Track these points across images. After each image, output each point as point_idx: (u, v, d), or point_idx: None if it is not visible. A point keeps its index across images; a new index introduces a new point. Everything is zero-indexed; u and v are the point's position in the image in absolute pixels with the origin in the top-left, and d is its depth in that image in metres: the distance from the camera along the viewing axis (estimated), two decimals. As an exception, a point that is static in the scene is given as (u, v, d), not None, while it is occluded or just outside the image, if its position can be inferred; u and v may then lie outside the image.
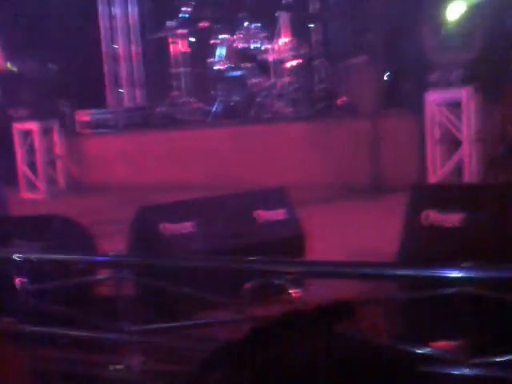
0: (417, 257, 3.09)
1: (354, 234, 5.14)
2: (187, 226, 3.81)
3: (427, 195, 3.32)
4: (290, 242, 3.96)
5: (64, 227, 3.90)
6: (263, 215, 3.97)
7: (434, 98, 6.73)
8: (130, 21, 10.81)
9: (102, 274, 3.57)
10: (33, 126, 8.70)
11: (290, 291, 3.01)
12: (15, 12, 8.60)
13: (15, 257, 3.29)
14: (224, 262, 3.27)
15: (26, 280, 3.29)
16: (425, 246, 3.11)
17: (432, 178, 6.65)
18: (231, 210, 4.00)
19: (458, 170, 6.70)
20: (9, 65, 6.41)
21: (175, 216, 3.83)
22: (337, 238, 5.03)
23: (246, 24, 9.47)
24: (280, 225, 4.00)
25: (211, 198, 4.27)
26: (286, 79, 8.86)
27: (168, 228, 3.76)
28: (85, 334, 3.31)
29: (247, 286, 3.01)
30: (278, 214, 4.01)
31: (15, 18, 8.80)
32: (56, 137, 8.96)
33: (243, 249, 3.71)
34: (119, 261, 3.37)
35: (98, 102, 10.27)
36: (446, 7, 6.91)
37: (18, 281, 3.25)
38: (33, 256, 3.40)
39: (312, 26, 9.30)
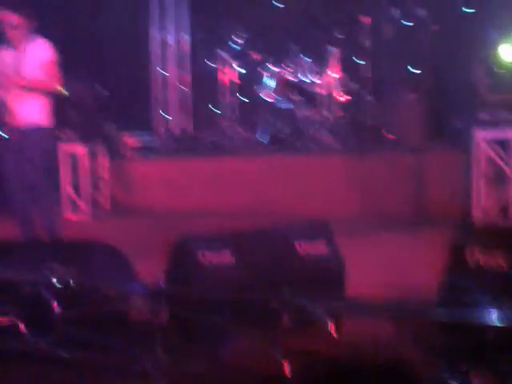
0: (459, 297, 3.00)
1: (394, 268, 5.06)
2: (227, 256, 3.77)
3: (473, 234, 3.23)
4: (330, 275, 3.89)
5: (102, 253, 3.88)
6: (304, 247, 3.91)
7: (483, 136, 6.71)
8: (182, 48, 10.88)
9: (138, 302, 3.53)
10: (79, 148, 8.76)
11: (327, 325, 2.95)
12: (65, 33, 8.69)
13: (52, 281, 3.27)
14: (262, 294, 3.20)
15: (61, 304, 3.27)
16: (468, 286, 3.02)
17: (477, 215, 6.58)
18: (272, 240, 3.95)
19: (504, 208, 6.64)
20: (60, 88, 6.47)
21: (215, 245, 3.79)
22: (377, 271, 4.95)
23: (296, 57, 9.50)
24: (321, 257, 3.94)
25: (252, 227, 4.23)
26: (335, 113, 8.85)
27: (207, 256, 3.73)
28: (117, 360, 3.26)
29: (284, 318, 2.94)
30: (320, 247, 3.95)
31: (65, 40, 8.91)
32: (101, 159, 9.01)
33: (283, 280, 3.66)
34: (155, 290, 3.33)
35: (145, 126, 10.33)
36: (498, 47, 6.90)
37: (54, 305, 3.22)
38: (69, 281, 3.38)
39: (362, 61, 9.28)
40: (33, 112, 6.33)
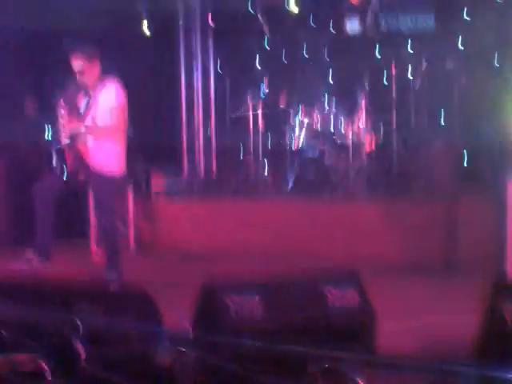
0: (495, 355, 2.92)
1: (426, 318, 4.98)
2: (255, 301, 3.71)
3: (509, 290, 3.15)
4: (360, 324, 3.82)
5: (128, 294, 3.84)
6: (334, 295, 3.85)
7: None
8: (210, 93, 10.97)
9: (163, 346, 3.47)
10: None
11: (355, 379, 2.87)
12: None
13: (76, 321, 3.23)
14: (289, 345, 3.13)
15: (85, 345, 3.22)
16: (505, 345, 2.94)
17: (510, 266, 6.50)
18: (301, 287, 3.89)
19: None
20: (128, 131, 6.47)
21: (243, 290, 3.74)
22: (409, 320, 4.88)
23: (325, 105, 9.52)
24: (350, 306, 3.87)
25: (281, 273, 4.17)
26: (364, 161, 8.83)
27: (235, 302, 3.67)
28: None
29: (312, 370, 2.86)
30: (349, 295, 3.88)
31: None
32: (130, 198, 9.02)
33: (311, 329, 3.59)
34: (181, 334, 3.27)
35: (173, 168, 10.36)
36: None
37: (77, 345, 3.17)
38: (94, 321, 3.33)
39: (392, 109, 9.29)
40: (106, 157, 6.30)
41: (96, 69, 6.29)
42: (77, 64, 6.25)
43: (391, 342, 3.87)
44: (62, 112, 6.30)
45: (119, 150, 6.37)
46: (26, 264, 6.30)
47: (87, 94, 6.34)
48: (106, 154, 6.32)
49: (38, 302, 3.67)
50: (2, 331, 3.52)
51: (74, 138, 6.32)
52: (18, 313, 3.52)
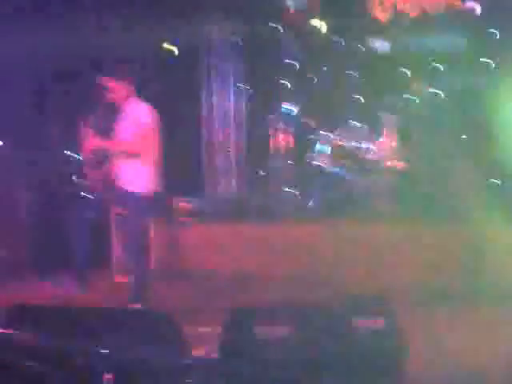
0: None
1: (455, 348, 4.90)
2: (282, 331, 3.66)
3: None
4: (389, 353, 3.75)
5: (154, 321, 3.81)
6: (362, 323, 3.78)
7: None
8: (233, 113, 10.94)
9: (190, 375, 3.44)
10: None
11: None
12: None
13: (102, 351, 3.19)
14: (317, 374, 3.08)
15: (112, 375, 3.18)
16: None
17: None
18: (329, 315, 3.83)
19: None
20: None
21: (271, 318, 3.69)
22: (437, 349, 4.80)
23: (348, 122, 9.48)
24: (379, 334, 3.80)
25: (308, 301, 4.12)
26: (386, 180, 8.75)
27: (262, 331, 3.62)
28: None
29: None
30: (378, 323, 3.82)
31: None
32: (152, 222, 8.99)
33: (340, 358, 3.54)
34: (207, 362, 3.23)
35: (196, 190, 10.34)
36: None
37: (104, 376, 3.14)
38: (120, 352, 3.30)
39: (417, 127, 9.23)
40: (134, 177, 6.31)
41: (125, 90, 6.32)
42: (106, 84, 6.30)
43: (422, 369, 3.80)
44: (91, 132, 6.33)
45: (147, 171, 6.36)
46: (63, 289, 6.32)
47: (116, 114, 6.39)
48: (134, 173, 6.33)
49: (66, 331, 3.64)
50: (32, 363, 3.50)
51: (102, 158, 6.36)
52: (46, 343, 3.49)
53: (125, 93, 6.35)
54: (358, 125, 9.42)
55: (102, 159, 6.38)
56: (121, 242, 8.76)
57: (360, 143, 9.26)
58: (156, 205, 6.62)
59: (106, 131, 6.42)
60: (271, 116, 9.84)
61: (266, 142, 9.96)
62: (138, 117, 6.29)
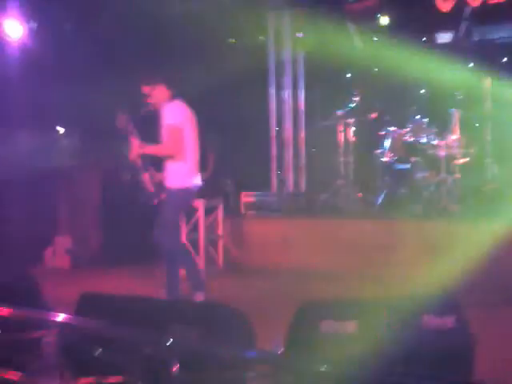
0: None
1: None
2: (350, 326, 3.64)
3: None
4: (459, 353, 3.69)
5: (225, 316, 3.82)
6: (431, 322, 3.73)
7: None
8: (300, 106, 10.92)
9: (257, 370, 3.44)
10: (198, 203, 8.83)
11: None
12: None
13: (170, 343, 3.21)
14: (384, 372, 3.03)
15: (178, 367, 3.20)
16: None
17: None
18: (398, 312, 3.79)
19: None
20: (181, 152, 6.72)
21: (338, 314, 3.67)
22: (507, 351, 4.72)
23: (415, 118, 9.36)
24: (449, 333, 3.75)
25: (377, 298, 4.08)
26: (455, 176, 8.62)
27: (330, 326, 3.61)
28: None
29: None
30: (448, 322, 3.76)
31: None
32: (220, 216, 9.06)
33: (407, 356, 3.49)
34: (274, 357, 3.22)
35: (263, 184, 10.37)
36: None
37: (173, 368, 3.16)
38: (189, 344, 3.32)
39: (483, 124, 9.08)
40: (169, 174, 6.55)
41: (161, 92, 6.55)
42: (144, 89, 6.56)
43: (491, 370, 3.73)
44: (135, 134, 6.59)
45: (181, 166, 6.53)
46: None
47: (157, 118, 6.63)
48: (169, 170, 6.55)
49: (134, 321, 3.69)
50: (99, 351, 3.55)
51: (146, 159, 6.63)
52: (115, 332, 3.54)
53: (162, 96, 6.57)
54: (423, 119, 9.29)
55: (148, 163, 6.66)
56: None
57: (425, 137, 9.13)
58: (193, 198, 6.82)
59: (150, 136, 6.68)
60: (340, 112, 9.76)
61: (334, 138, 9.89)
62: (166, 116, 6.49)
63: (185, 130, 6.52)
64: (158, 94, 6.61)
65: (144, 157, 6.66)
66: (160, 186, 6.68)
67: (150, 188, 6.70)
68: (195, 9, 9.58)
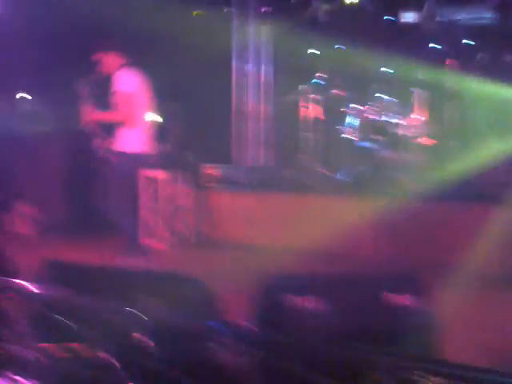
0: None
1: (487, 328, 4.88)
2: (313, 302, 3.68)
3: None
4: (421, 331, 3.76)
5: (191, 288, 3.84)
6: (394, 300, 3.79)
7: None
8: (262, 80, 10.89)
9: (221, 341, 3.47)
10: (159, 173, 8.82)
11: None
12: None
13: (136, 313, 3.23)
14: (348, 349, 3.08)
15: (145, 337, 3.22)
16: None
17: None
18: (360, 290, 3.84)
19: None
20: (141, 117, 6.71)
21: (301, 289, 3.71)
22: (469, 330, 4.80)
23: (379, 96, 9.41)
24: (411, 312, 3.81)
25: (341, 273, 4.13)
26: (416, 155, 8.70)
27: (293, 301, 3.65)
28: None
29: (375, 377, 2.81)
30: (410, 300, 3.82)
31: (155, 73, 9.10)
32: (180, 187, 9.04)
33: (371, 333, 3.55)
34: (241, 330, 3.25)
35: (224, 158, 10.36)
36: None
37: (135, 337, 3.18)
38: (160, 315, 3.34)
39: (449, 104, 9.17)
40: (118, 140, 6.52)
41: (113, 60, 6.52)
42: (95, 56, 6.51)
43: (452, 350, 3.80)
44: (86, 100, 6.56)
45: (131, 133, 6.52)
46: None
47: (108, 83, 6.60)
48: (123, 137, 6.54)
49: (100, 290, 3.69)
50: (69, 321, 3.55)
51: (97, 124, 6.60)
52: (77, 301, 3.54)
53: (115, 63, 6.54)
54: (390, 99, 9.35)
55: (102, 129, 6.63)
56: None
57: (391, 117, 9.19)
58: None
59: (101, 103, 6.64)
60: (302, 87, 9.77)
61: (296, 113, 9.91)
62: (120, 84, 6.46)
63: (136, 97, 6.51)
64: (109, 60, 6.56)
65: (96, 123, 6.62)
66: (110, 151, 6.64)
67: (102, 153, 6.68)
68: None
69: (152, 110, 6.73)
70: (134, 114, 6.53)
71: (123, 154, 6.58)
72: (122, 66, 6.60)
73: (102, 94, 6.71)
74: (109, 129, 6.68)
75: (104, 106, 6.65)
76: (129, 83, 6.55)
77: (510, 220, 6.77)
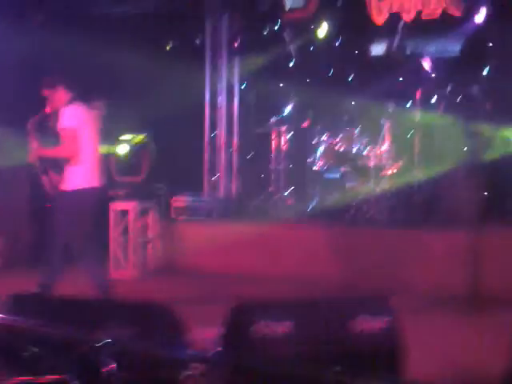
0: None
1: (453, 349, 4.93)
2: (283, 328, 3.69)
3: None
4: (390, 353, 3.78)
5: (160, 315, 3.83)
6: (364, 323, 3.81)
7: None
8: (232, 113, 10.94)
9: (192, 368, 3.47)
10: (130, 206, 8.81)
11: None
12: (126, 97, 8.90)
13: (106, 341, 3.21)
14: (316, 370, 3.08)
15: (114, 366, 3.20)
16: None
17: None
18: (330, 314, 3.86)
19: None
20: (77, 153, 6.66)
21: (271, 315, 3.72)
22: (436, 352, 4.83)
23: (348, 127, 9.49)
24: (381, 334, 3.83)
25: (310, 299, 4.14)
26: (384, 186, 8.77)
27: (263, 327, 3.65)
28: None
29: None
30: (380, 323, 3.85)
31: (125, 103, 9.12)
32: (151, 219, 9.04)
33: (340, 356, 3.57)
34: (209, 356, 3.24)
35: (195, 188, 10.37)
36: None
37: (109, 367, 3.16)
38: (124, 343, 3.33)
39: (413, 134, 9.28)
40: (69, 175, 6.48)
41: (61, 96, 6.54)
42: (44, 92, 6.56)
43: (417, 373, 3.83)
44: (34, 136, 6.56)
45: (76, 169, 6.51)
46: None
47: (56, 119, 6.59)
48: (66, 173, 6.51)
49: (68, 322, 3.67)
50: (34, 349, 3.52)
51: (44, 161, 6.59)
52: (49, 331, 3.51)
53: (62, 99, 6.55)
54: (355, 129, 9.41)
55: (48, 165, 6.61)
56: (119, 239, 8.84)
57: (356, 147, 9.26)
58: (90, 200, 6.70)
59: (49, 139, 6.65)
60: (273, 118, 9.84)
61: (268, 145, 9.97)
62: (63, 120, 6.47)
63: (81, 132, 6.49)
64: (57, 97, 6.56)
65: (43, 159, 6.60)
66: (57, 188, 6.60)
67: (49, 190, 6.65)
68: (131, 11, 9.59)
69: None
70: (81, 149, 6.47)
71: (69, 191, 6.52)
72: (69, 101, 6.57)
73: (51, 130, 6.68)
74: (57, 165, 6.62)
75: (53, 142, 6.62)
76: (75, 119, 6.50)
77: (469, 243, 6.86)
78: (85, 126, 6.51)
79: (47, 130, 6.71)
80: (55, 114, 6.59)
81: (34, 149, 6.54)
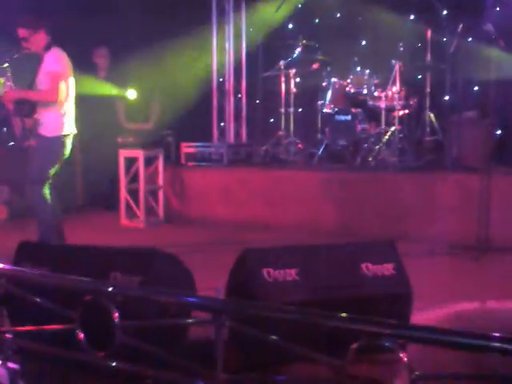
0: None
1: (459, 296, 4.91)
2: (291, 274, 3.66)
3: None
4: (397, 299, 3.76)
5: (164, 263, 3.81)
6: (371, 268, 3.79)
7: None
8: (241, 56, 10.79)
9: (198, 316, 3.47)
10: (138, 153, 8.75)
11: (395, 353, 2.80)
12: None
13: (110, 290, 3.19)
14: (327, 318, 3.06)
15: (119, 314, 3.18)
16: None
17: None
18: (338, 260, 3.83)
19: None
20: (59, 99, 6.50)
21: (279, 262, 3.69)
22: (441, 297, 4.81)
23: (358, 69, 9.34)
24: (387, 280, 3.81)
25: (317, 246, 4.10)
26: (395, 128, 8.65)
27: (271, 274, 3.63)
28: (173, 376, 3.18)
29: (354, 346, 2.79)
30: (386, 269, 3.82)
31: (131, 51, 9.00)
32: (160, 166, 8.99)
33: (347, 302, 3.54)
34: (215, 305, 3.21)
35: (204, 135, 10.30)
36: None
37: (113, 314, 3.14)
38: (129, 292, 3.31)
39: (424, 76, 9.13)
40: (44, 121, 6.38)
41: (41, 39, 6.40)
42: (21, 33, 6.40)
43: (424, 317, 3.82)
44: (9, 79, 6.44)
45: (58, 115, 6.41)
46: None
47: (34, 62, 6.47)
48: (48, 118, 6.41)
49: (74, 271, 3.65)
50: (39, 300, 3.51)
51: (20, 103, 6.45)
52: (54, 281, 3.50)
53: (41, 42, 6.42)
54: (365, 70, 9.26)
55: (20, 104, 6.46)
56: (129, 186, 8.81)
57: (366, 89, 9.12)
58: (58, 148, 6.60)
59: (25, 82, 6.51)
60: (282, 62, 9.69)
61: (277, 89, 9.83)
62: (47, 63, 6.35)
63: (66, 78, 6.40)
64: (37, 39, 6.43)
65: (17, 101, 6.47)
66: (31, 131, 6.48)
67: (19, 133, 6.51)
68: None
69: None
70: (63, 95, 6.37)
71: (52, 137, 6.42)
72: (48, 45, 6.44)
73: (27, 72, 6.54)
74: (30, 108, 6.48)
75: (28, 84, 6.49)
76: (60, 63, 6.38)
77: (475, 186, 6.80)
78: (68, 72, 6.42)
79: (23, 72, 6.57)
80: (33, 56, 6.47)
81: (10, 90, 6.41)
